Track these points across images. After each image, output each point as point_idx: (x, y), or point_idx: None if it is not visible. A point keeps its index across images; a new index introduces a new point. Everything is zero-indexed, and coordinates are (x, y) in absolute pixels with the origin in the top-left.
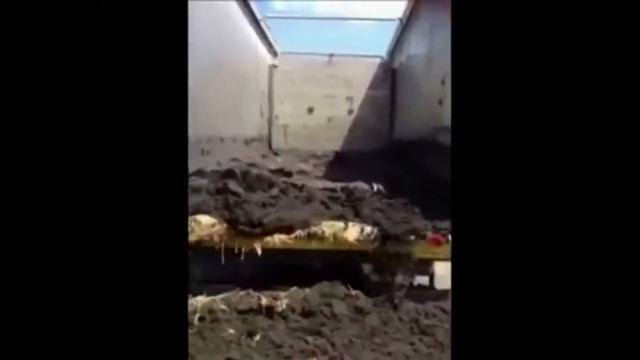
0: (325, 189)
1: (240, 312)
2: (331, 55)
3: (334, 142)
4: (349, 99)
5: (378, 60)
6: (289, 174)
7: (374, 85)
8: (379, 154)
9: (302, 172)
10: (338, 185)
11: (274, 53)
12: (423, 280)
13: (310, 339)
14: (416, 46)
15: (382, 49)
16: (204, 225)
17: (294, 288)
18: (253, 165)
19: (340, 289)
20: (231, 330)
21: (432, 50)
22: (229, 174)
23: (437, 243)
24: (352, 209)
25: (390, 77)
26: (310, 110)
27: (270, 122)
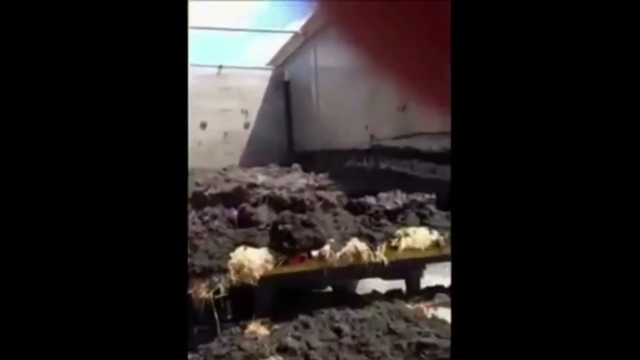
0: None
1: None
2: (220, 66)
3: (232, 158)
4: (244, 112)
5: (269, 73)
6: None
7: (268, 98)
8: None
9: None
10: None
11: None
12: None
13: None
14: (322, 60)
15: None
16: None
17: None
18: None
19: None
20: None
21: (344, 65)
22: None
23: (301, 260)
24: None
25: (283, 89)
26: (204, 125)
27: None
